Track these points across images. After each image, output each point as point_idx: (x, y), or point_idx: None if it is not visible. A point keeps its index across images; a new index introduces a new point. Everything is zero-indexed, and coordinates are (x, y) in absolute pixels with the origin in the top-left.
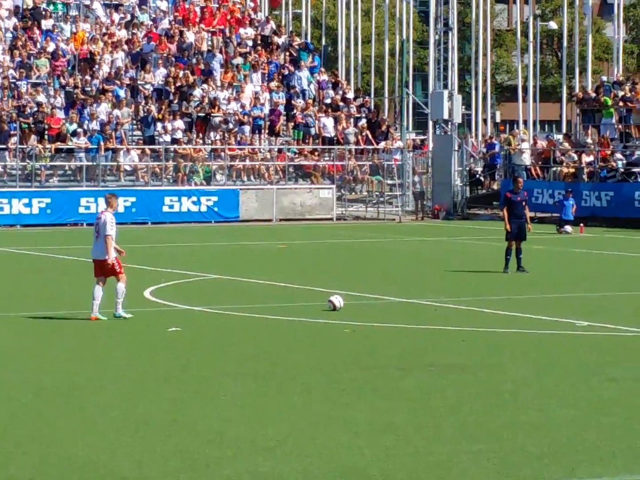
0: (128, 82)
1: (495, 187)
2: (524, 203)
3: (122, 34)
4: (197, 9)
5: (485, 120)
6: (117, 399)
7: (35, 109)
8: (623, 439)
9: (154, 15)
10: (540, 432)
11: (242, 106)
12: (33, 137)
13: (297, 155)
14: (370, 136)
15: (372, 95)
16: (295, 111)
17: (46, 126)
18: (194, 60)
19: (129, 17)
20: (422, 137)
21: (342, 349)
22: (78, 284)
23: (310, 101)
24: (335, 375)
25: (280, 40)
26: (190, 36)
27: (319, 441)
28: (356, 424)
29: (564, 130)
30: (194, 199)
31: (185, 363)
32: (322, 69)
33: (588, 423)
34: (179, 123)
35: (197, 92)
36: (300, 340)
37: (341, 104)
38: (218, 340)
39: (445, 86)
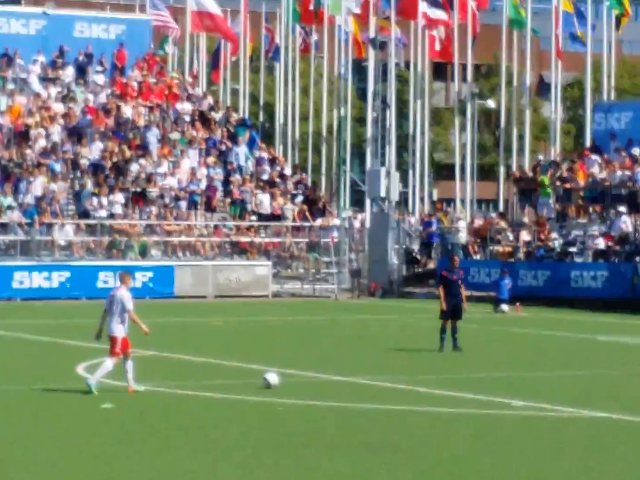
0: (64, 156)
1: (431, 265)
2: (460, 282)
3: (59, 107)
4: (135, 84)
5: (422, 198)
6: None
7: None
8: None
9: (91, 89)
10: None
11: (179, 181)
12: None
13: (233, 232)
14: (307, 213)
15: (310, 172)
16: (232, 187)
17: None
18: (131, 135)
19: (65, 91)
20: (360, 214)
21: (276, 427)
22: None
23: (248, 177)
24: (269, 453)
25: (217, 115)
26: (127, 110)
27: None
28: None
29: (501, 208)
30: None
31: (121, 439)
32: (260, 145)
33: None
34: (118, 197)
35: (134, 166)
36: (233, 418)
37: (278, 180)
38: (150, 417)
39: (383, 163)
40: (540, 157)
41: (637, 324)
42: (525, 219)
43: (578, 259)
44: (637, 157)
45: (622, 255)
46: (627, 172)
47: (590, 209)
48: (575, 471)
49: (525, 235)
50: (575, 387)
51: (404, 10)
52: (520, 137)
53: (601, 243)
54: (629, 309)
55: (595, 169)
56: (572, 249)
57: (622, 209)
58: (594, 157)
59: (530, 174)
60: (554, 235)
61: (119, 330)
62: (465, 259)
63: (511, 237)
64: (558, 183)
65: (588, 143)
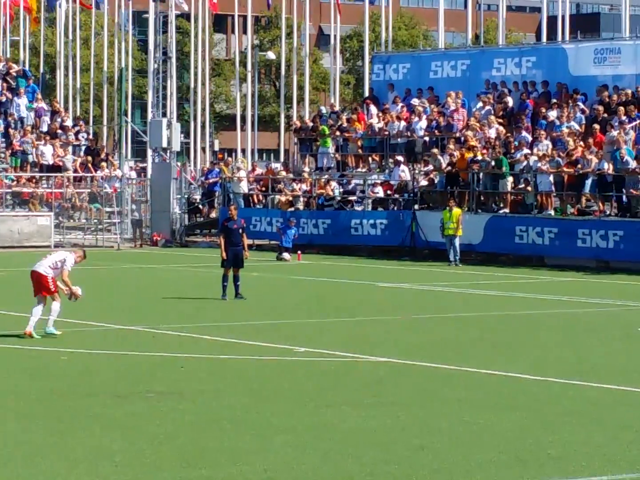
0: None
1: (213, 215)
2: (241, 231)
3: None
4: None
5: (204, 149)
6: None
7: None
8: (340, 463)
9: None
10: (258, 457)
11: None
12: None
13: (14, 183)
14: (89, 164)
15: (91, 123)
16: (12, 138)
17: None
18: None
19: None
20: (141, 164)
21: (59, 376)
22: None
23: (29, 128)
24: (52, 403)
25: None
26: None
27: (35, 470)
28: (74, 452)
29: (282, 158)
30: None
31: None
32: (40, 97)
33: (305, 448)
34: None
35: None
36: (16, 368)
37: (60, 131)
38: None
39: (164, 114)
40: (321, 107)
41: (415, 271)
42: (306, 169)
43: (358, 208)
44: (414, 107)
45: (400, 204)
46: (405, 123)
47: (370, 159)
48: (351, 414)
49: (305, 185)
50: (355, 332)
51: None
52: (300, 88)
53: (380, 192)
54: (408, 256)
55: (374, 119)
56: (352, 198)
57: (401, 158)
58: (373, 107)
59: (310, 124)
60: (334, 184)
61: (51, 273)
62: (247, 208)
63: (292, 186)
64: (338, 133)
65: (367, 93)
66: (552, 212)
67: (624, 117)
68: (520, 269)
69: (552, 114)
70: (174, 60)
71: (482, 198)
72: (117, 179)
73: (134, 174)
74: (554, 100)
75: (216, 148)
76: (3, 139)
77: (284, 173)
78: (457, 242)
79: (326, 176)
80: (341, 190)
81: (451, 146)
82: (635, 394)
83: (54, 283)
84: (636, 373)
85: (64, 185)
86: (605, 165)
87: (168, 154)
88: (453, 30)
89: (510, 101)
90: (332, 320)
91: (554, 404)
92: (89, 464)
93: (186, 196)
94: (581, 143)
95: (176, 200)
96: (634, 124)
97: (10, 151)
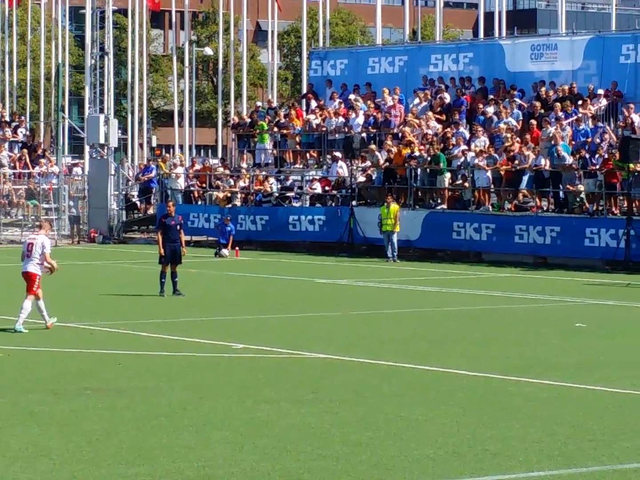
0: None
1: (151, 211)
2: (178, 227)
3: None
4: None
5: (141, 145)
6: None
7: None
8: (277, 459)
9: None
10: (196, 454)
11: None
12: None
13: None
14: (26, 160)
15: (28, 119)
16: None
17: None
18: None
19: None
20: (78, 161)
21: None
22: None
23: None
24: None
25: None
26: None
27: None
28: (10, 449)
29: (220, 155)
30: None
31: None
32: None
33: (243, 444)
34: None
35: None
36: None
37: None
38: None
39: (102, 110)
40: (258, 103)
41: (353, 267)
42: (244, 165)
43: (296, 204)
44: (352, 103)
45: (338, 200)
46: (342, 118)
47: (307, 155)
48: (290, 410)
49: (243, 181)
50: (294, 329)
51: None
52: (238, 84)
53: (318, 188)
54: (346, 252)
55: (311, 115)
56: (290, 194)
57: (338, 154)
58: (311, 103)
59: (248, 120)
60: (272, 180)
61: (38, 271)
62: (185, 205)
63: (230, 182)
64: (275, 129)
65: (305, 89)
66: (490, 208)
67: (560, 113)
68: (457, 264)
69: (489, 110)
70: (111, 56)
71: (419, 194)
72: (54, 175)
73: (79, 171)
74: (491, 96)
75: (154, 144)
76: None
77: (221, 169)
78: (394, 238)
79: (264, 172)
80: (279, 186)
81: (389, 142)
82: (572, 389)
83: (39, 284)
84: (573, 368)
85: (0, 182)
86: (542, 161)
87: (105, 150)
88: (390, 26)
89: (447, 97)
90: (270, 316)
91: (492, 400)
92: (26, 461)
93: (124, 192)
94: (518, 139)
95: (114, 196)
96: (570, 119)
97: None
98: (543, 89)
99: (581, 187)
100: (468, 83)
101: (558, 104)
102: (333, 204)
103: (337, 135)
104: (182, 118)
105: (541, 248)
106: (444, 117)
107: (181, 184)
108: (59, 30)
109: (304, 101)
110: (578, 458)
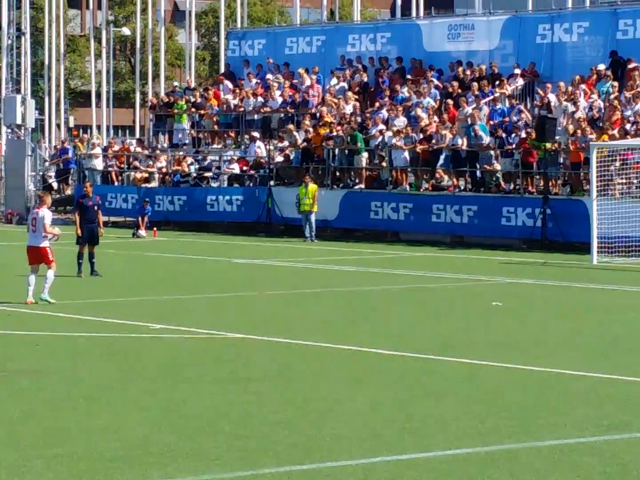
0: None
1: (69, 192)
2: (96, 208)
3: None
4: None
5: (59, 125)
6: None
7: None
8: (196, 439)
9: None
10: (114, 435)
11: None
12: None
13: None
14: None
15: None
16: None
17: None
18: None
19: None
20: None
21: None
22: None
23: None
24: None
25: None
26: None
27: None
28: None
29: (138, 135)
30: None
31: None
32: None
33: (161, 425)
34: None
35: None
36: None
37: None
38: None
39: (18, 91)
40: (176, 83)
41: (271, 247)
42: (162, 145)
43: (214, 184)
44: (269, 83)
45: (256, 180)
46: (260, 98)
47: (225, 135)
48: (210, 390)
49: (161, 161)
50: (212, 309)
51: None
52: (156, 64)
53: (236, 168)
54: (264, 232)
55: (229, 95)
56: (208, 174)
57: (256, 134)
58: (228, 83)
59: (165, 100)
60: (190, 160)
61: (46, 243)
62: (102, 185)
63: (148, 163)
64: (193, 109)
65: (222, 70)
66: (407, 188)
67: (477, 93)
68: (375, 244)
69: (407, 90)
70: (28, 36)
71: (337, 174)
72: None
73: None
74: (409, 77)
75: (71, 124)
76: None
77: (139, 150)
78: (312, 218)
79: (182, 153)
80: (197, 166)
81: (307, 122)
82: (489, 367)
83: (52, 252)
84: (489, 347)
85: None
86: (459, 141)
87: (22, 131)
88: (308, 6)
89: (365, 77)
90: (188, 297)
91: (409, 379)
92: None
93: (41, 173)
94: (435, 119)
95: (31, 177)
96: (487, 99)
97: None
98: (460, 68)
99: (498, 167)
100: (386, 63)
101: (475, 84)
102: (251, 184)
103: (255, 116)
104: (99, 99)
105: (458, 227)
106: (361, 98)
107: (99, 164)
108: None
109: (221, 81)
110: (495, 435)
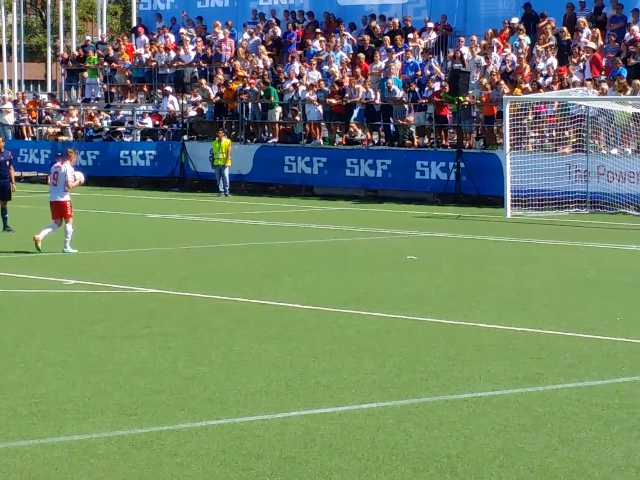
0: None
1: None
2: (8, 163)
3: None
4: None
5: None
6: None
7: None
8: (111, 395)
9: None
10: (28, 391)
11: None
12: None
13: None
14: None
15: None
16: None
17: None
18: None
19: None
20: None
21: None
22: None
23: None
24: None
25: None
26: None
27: None
28: None
29: (50, 89)
30: None
31: None
32: None
33: (76, 380)
34: None
35: None
36: None
37: None
38: None
39: None
40: (88, 37)
41: (185, 202)
42: (74, 100)
43: (127, 139)
44: (182, 37)
45: (170, 135)
46: (173, 53)
47: (138, 90)
48: (124, 346)
49: (73, 116)
50: (126, 264)
51: None
52: (67, 18)
53: (149, 123)
54: (178, 186)
55: (141, 49)
56: (121, 129)
57: (169, 89)
58: (141, 37)
59: (77, 54)
60: (103, 115)
61: (67, 197)
62: (14, 140)
63: (60, 117)
64: (105, 63)
65: (135, 23)
66: (321, 142)
67: (390, 47)
68: (290, 198)
69: (320, 44)
70: None
71: (251, 128)
72: None
73: None
74: (321, 31)
75: None
76: None
77: (51, 104)
78: (226, 172)
79: (94, 107)
80: (110, 121)
81: (220, 76)
82: (404, 321)
83: (71, 207)
84: (404, 300)
85: None
86: (373, 95)
87: None
88: None
89: (278, 31)
90: (102, 252)
91: (324, 333)
92: None
93: None
94: (349, 72)
95: None
96: (400, 53)
97: None
98: (373, 22)
99: (411, 120)
100: (300, 17)
101: (387, 38)
102: (164, 139)
103: (167, 70)
104: (10, 52)
105: (372, 181)
106: (275, 52)
107: (10, 119)
108: None
109: (133, 35)
110: (410, 389)
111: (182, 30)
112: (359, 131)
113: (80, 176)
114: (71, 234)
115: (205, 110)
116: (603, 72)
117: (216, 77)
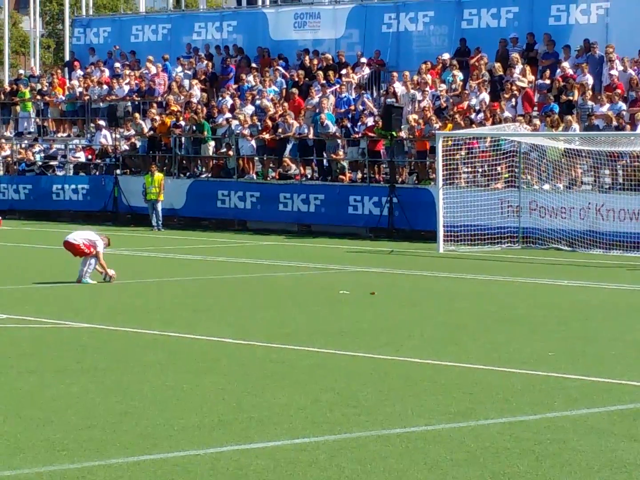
0: None
1: None
2: None
3: None
4: None
5: None
6: None
7: None
8: (42, 430)
9: None
10: None
11: None
12: None
13: None
14: None
15: None
16: None
17: None
18: None
19: None
20: None
21: None
22: None
23: None
24: None
25: None
26: None
27: None
28: None
29: None
30: None
31: None
32: None
33: (7, 416)
34: None
35: None
36: None
37: None
38: None
39: None
40: (21, 71)
41: (118, 236)
42: (6, 133)
43: (59, 173)
44: (116, 71)
45: (102, 169)
46: (106, 87)
47: (71, 124)
48: (57, 380)
49: (6, 150)
50: (57, 299)
51: None
52: (0, 52)
53: (82, 157)
54: (111, 221)
55: (75, 83)
56: (54, 163)
57: (102, 122)
58: (76, 71)
59: (10, 88)
60: (36, 149)
61: (81, 242)
62: None
63: None
64: (38, 97)
65: (67, 57)
66: (254, 177)
67: (324, 82)
68: (223, 233)
69: (253, 79)
70: None
71: (184, 163)
72: None
73: None
74: (255, 65)
75: None
76: None
77: None
78: (159, 206)
79: (26, 141)
80: (42, 155)
81: (153, 110)
82: (336, 356)
83: (87, 246)
84: (336, 335)
85: None
86: (306, 130)
87: None
88: None
89: (211, 66)
90: (33, 286)
91: (256, 368)
92: None
93: None
94: (283, 106)
95: None
96: (333, 88)
97: None
98: (307, 57)
99: (343, 155)
100: (233, 51)
101: (321, 73)
102: (97, 173)
103: (101, 104)
104: None
105: (305, 216)
106: (208, 86)
107: None
108: None
109: (66, 70)
110: (343, 424)
111: (117, 64)
112: (293, 166)
113: (111, 271)
114: (93, 266)
115: (139, 144)
116: (535, 108)
117: (149, 111)
